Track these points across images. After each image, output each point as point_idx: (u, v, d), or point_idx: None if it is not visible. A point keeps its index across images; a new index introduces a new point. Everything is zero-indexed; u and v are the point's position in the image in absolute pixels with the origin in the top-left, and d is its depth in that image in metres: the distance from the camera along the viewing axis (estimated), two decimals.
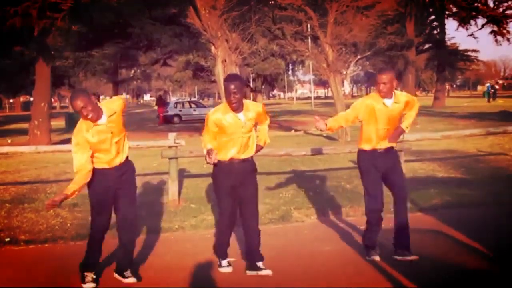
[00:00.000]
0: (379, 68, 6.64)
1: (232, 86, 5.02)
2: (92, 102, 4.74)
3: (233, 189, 5.22)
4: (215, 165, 5.19)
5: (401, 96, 5.56)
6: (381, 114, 5.44)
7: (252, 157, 5.31)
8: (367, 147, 5.55)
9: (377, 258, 5.48)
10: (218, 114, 5.17)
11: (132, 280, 5.06)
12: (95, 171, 4.88)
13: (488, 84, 54.79)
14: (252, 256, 5.34)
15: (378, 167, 5.50)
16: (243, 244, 5.55)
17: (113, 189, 4.98)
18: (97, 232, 5.06)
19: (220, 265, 5.40)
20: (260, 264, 5.29)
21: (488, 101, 46.52)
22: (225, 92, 5.09)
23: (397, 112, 5.51)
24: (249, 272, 5.29)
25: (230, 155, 5.18)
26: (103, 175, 4.91)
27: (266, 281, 5.06)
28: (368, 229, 5.63)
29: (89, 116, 4.71)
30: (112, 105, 4.99)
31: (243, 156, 5.20)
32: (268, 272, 5.21)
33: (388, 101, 5.43)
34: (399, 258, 5.44)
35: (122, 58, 34.79)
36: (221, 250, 5.44)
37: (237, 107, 5.10)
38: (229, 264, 5.40)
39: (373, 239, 5.57)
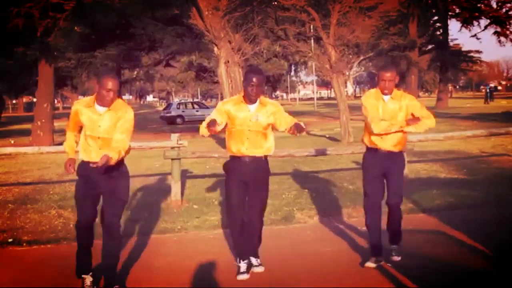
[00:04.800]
0: (382, 65, 6.56)
1: (255, 79, 5.04)
2: (118, 91, 4.82)
3: (243, 186, 5.22)
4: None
5: (403, 96, 5.45)
6: (381, 111, 5.40)
7: (266, 156, 5.29)
8: (370, 145, 5.54)
9: (371, 265, 5.33)
10: (229, 105, 5.22)
11: None
12: (82, 163, 4.86)
13: (487, 86, 54.79)
14: (246, 248, 5.33)
15: (377, 167, 5.44)
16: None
17: (95, 186, 4.79)
18: (78, 226, 4.91)
19: (238, 270, 5.23)
20: (253, 260, 5.30)
21: (485, 103, 46.59)
22: (246, 83, 5.08)
23: (394, 109, 5.37)
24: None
25: (240, 150, 5.18)
26: (86, 168, 4.77)
27: (268, 281, 5.06)
28: (368, 230, 5.62)
29: (107, 99, 4.71)
30: (126, 109, 4.90)
31: (253, 153, 5.18)
32: (260, 269, 5.26)
33: (386, 97, 5.42)
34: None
35: (124, 59, 34.74)
36: (236, 249, 5.39)
37: (255, 100, 5.14)
38: (246, 272, 5.21)
39: (374, 244, 5.48)
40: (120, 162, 4.86)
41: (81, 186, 4.88)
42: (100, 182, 4.78)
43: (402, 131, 5.38)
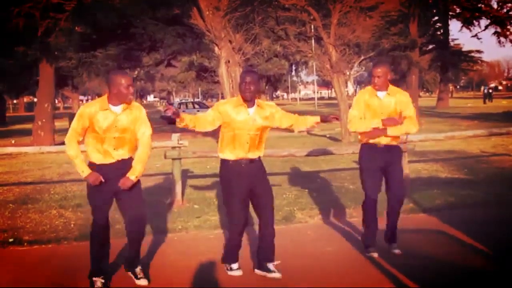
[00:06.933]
0: (374, 62, 6.71)
1: (248, 78, 5.01)
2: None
3: (244, 191, 5.09)
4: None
5: (398, 92, 5.59)
6: (376, 107, 5.51)
7: (259, 157, 5.23)
8: (366, 141, 5.63)
9: (375, 254, 5.51)
10: (228, 106, 5.08)
11: (144, 282, 4.95)
12: (92, 165, 4.82)
13: (485, 86, 55.03)
14: (263, 255, 5.20)
15: (377, 162, 5.54)
16: (251, 243, 5.53)
17: (110, 186, 4.80)
18: (96, 226, 4.88)
19: (230, 269, 5.25)
20: (270, 265, 5.18)
21: (484, 102, 46.74)
22: (240, 84, 5.05)
23: (390, 104, 5.51)
24: (257, 271, 5.21)
25: (239, 155, 5.08)
26: (99, 170, 4.78)
27: (269, 281, 5.06)
28: (364, 225, 5.72)
29: (129, 96, 4.76)
30: (138, 106, 4.97)
31: (251, 155, 5.10)
32: (277, 275, 5.09)
33: (381, 94, 5.52)
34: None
35: (125, 58, 34.70)
36: (231, 255, 5.28)
37: (249, 98, 5.03)
38: (239, 268, 5.27)
39: (370, 238, 5.62)
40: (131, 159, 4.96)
41: (96, 186, 4.79)
42: (116, 180, 4.81)
43: (383, 131, 5.46)
